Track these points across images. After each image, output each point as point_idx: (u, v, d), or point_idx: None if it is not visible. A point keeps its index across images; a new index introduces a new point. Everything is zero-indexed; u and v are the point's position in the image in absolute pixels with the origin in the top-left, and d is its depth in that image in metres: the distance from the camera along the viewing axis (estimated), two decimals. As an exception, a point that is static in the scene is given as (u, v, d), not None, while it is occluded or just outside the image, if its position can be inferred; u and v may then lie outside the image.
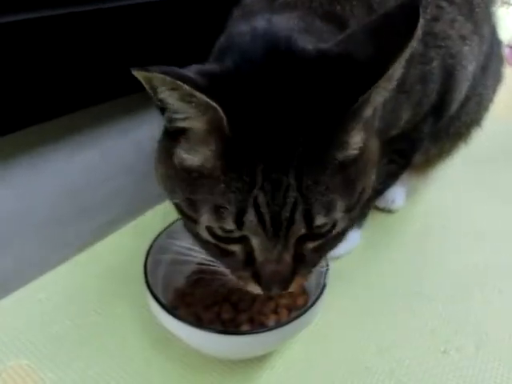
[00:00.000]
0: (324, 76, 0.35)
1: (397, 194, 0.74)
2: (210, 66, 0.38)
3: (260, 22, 0.40)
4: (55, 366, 0.48)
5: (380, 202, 0.72)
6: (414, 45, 0.33)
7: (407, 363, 0.50)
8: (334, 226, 0.38)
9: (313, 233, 0.37)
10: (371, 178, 0.41)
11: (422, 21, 0.32)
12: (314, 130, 0.35)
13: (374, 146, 0.41)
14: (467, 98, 0.60)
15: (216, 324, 0.47)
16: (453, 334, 0.54)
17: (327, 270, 0.48)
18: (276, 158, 0.35)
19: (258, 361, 0.49)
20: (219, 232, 0.38)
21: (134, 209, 0.70)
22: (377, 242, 0.68)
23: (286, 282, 0.39)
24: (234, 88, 0.35)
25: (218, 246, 0.39)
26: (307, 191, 0.35)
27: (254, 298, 0.50)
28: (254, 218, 0.35)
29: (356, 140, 0.37)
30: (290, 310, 0.49)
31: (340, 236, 0.41)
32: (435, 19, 0.50)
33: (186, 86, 0.32)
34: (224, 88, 0.34)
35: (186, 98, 0.34)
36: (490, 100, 0.68)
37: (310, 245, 0.39)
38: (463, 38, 0.54)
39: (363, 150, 0.38)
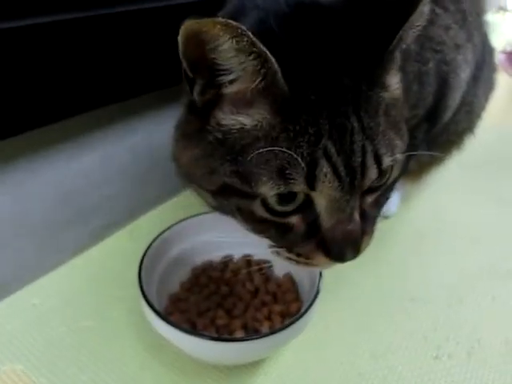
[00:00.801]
0: (356, 20, 0.36)
1: (390, 200, 0.74)
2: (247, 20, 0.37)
3: None
4: (49, 371, 0.48)
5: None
6: None
7: (400, 369, 0.50)
8: (390, 173, 0.38)
9: (373, 185, 0.37)
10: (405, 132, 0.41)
11: None
12: (360, 73, 0.35)
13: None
14: (459, 106, 0.61)
15: (210, 330, 0.48)
16: (445, 340, 0.54)
17: (321, 276, 0.48)
18: (334, 104, 0.34)
19: (252, 367, 0.49)
20: (277, 206, 0.35)
21: (130, 213, 0.70)
22: (371, 248, 0.68)
23: (358, 244, 0.38)
24: (277, 41, 0.34)
25: (274, 222, 0.37)
26: (371, 132, 0.35)
27: (248, 304, 0.50)
28: (328, 170, 0.34)
29: (395, 81, 0.38)
30: (283, 316, 0.49)
31: (390, 188, 0.41)
32: (431, 23, 0.51)
33: (249, 35, 0.30)
34: (269, 41, 0.32)
35: (247, 49, 0.31)
36: (482, 108, 0.69)
37: (370, 198, 0.39)
38: (457, 46, 0.54)
39: (400, 94, 0.39)
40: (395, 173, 0.39)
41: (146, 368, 0.49)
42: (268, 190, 0.34)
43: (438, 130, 0.60)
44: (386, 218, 0.74)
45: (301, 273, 0.52)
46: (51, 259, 0.62)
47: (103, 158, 0.65)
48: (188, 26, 0.31)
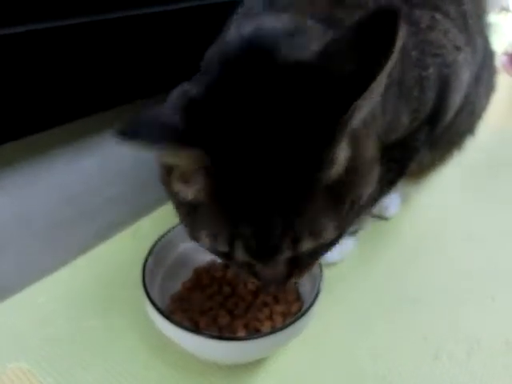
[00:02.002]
0: (305, 92, 0.33)
1: (391, 201, 0.75)
2: (190, 90, 0.37)
3: (247, 29, 0.39)
4: (54, 370, 0.49)
5: (374, 209, 0.73)
6: (395, 57, 0.30)
7: (399, 369, 0.51)
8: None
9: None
10: (369, 183, 0.40)
11: (402, 32, 0.30)
12: (297, 154, 0.33)
13: (369, 151, 0.39)
14: (460, 108, 0.61)
15: (212, 329, 0.48)
16: (444, 340, 0.54)
17: (321, 276, 0.49)
18: (261, 192, 0.34)
19: (253, 366, 0.50)
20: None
21: (133, 214, 0.70)
22: (370, 249, 0.69)
23: (281, 284, 0.41)
24: (214, 118, 0.34)
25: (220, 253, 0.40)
26: (294, 219, 0.35)
27: (250, 304, 0.51)
28: (241, 250, 0.37)
29: (341, 156, 0.35)
30: (284, 316, 0.50)
31: (334, 241, 0.40)
32: (430, 28, 0.51)
33: (165, 151, 0.33)
34: (204, 121, 0.34)
35: (171, 154, 0.34)
36: (483, 109, 0.69)
37: (303, 248, 0.38)
38: (458, 48, 0.55)
39: (353, 162, 0.36)
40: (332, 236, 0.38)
41: (150, 367, 0.50)
42: (205, 243, 0.39)
43: (439, 130, 0.61)
44: (387, 219, 0.75)
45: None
46: (55, 260, 0.63)
47: (105, 160, 0.66)
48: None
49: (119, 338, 0.53)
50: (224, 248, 0.37)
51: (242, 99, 0.35)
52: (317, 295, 0.47)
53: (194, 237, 0.40)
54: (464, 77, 0.56)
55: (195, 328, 0.48)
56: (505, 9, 1.94)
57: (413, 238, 0.72)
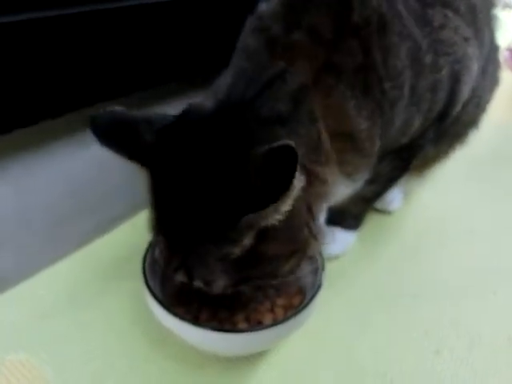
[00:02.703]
0: (237, 176, 0.37)
1: (394, 195, 0.74)
2: (172, 122, 0.42)
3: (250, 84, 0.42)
4: (54, 361, 0.49)
5: (377, 203, 0.72)
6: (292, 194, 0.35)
7: (400, 364, 0.51)
8: None
9: None
10: (292, 258, 0.43)
11: (296, 179, 0.34)
12: (207, 221, 0.38)
13: (281, 249, 0.41)
14: (467, 100, 0.61)
15: (213, 322, 0.48)
16: (446, 334, 0.54)
17: (323, 270, 0.49)
18: (172, 229, 0.40)
19: (254, 359, 0.50)
20: None
21: (134, 206, 0.70)
22: (372, 243, 0.68)
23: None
24: (169, 151, 0.40)
25: None
26: (190, 265, 0.40)
27: (251, 297, 0.51)
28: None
29: (242, 244, 0.38)
30: (286, 309, 0.49)
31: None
32: (442, 27, 0.51)
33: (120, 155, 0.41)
34: (163, 149, 0.41)
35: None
36: (487, 101, 0.69)
37: None
38: (466, 39, 0.54)
39: (252, 253, 0.39)
40: None
41: (150, 360, 0.50)
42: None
43: (447, 124, 0.60)
44: (389, 213, 0.74)
45: (303, 266, 0.52)
46: (56, 252, 0.62)
47: (104, 152, 0.65)
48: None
49: (119, 331, 0.53)
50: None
51: (193, 151, 0.40)
52: (318, 288, 0.47)
53: None
54: (473, 68, 0.56)
55: (196, 320, 0.48)
56: (508, 5, 1.93)
57: (415, 232, 0.72)
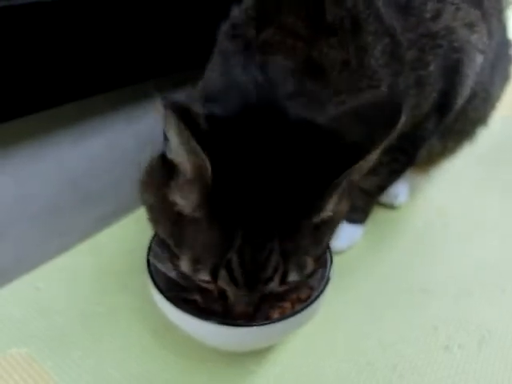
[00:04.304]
0: (313, 149, 0.36)
1: (400, 190, 0.74)
2: (216, 108, 0.38)
3: (254, 73, 0.41)
4: (54, 355, 0.48)
5: (383, 198, 0.72)
6: (394, 136, 0.36)
7: (410, 359, 0.50)
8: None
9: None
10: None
11: (403, 119, 0.35)
12: (295, 197, 0.36)
13: (345, 206, 0.43)
14: (474, 94, 0.60)
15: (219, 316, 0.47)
16: (455, 330, 0.53)
17: (331, 264, 0.48)
18: (260, 223, 0.36)
19: (260, 354, 0.49)
20: None
21: (137, 199, 0.69)
22: (380, 238, 0.68)
23: (250, 318, 0.41)
24: (228, 142, 0.36)
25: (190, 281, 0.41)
26: (288, 255, 0.38)
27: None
28: (226, 277, 0.37)
29: (330, 207, 0.39)
30: (293, 303, 0.49)
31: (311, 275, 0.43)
32: (436, 17, 0.49)
33: (185, 132, 0.33)
34: (220, 139, 0.35)
35: (183, 139, 0.34)
36: (497, 98, 0.68)
37: (282, 288, 0.41)
38: (470, 25, 0.52)
39: (334, 213, 0.40)
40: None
41: (153, 353, 0.49)
42: (184, 266, 0.38)
43: (450, 118, 0.59)
44: (395, 207, 0.73)
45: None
46: (56, 244, 0.61)
47: (109, 142, 0.65)
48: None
49: (120, 324, 0.52)
50: (205, 275, 0.38)
51: (257, 138, 0.37)
52: (327, 282, 0.46)
53: (172, 258, 0.39)
54: (478, 59, 0.55)
55: (201, 314, 0.47)
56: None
57: (422, 227, 0.71)
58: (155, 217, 0.41)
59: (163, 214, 0.40)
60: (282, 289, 0.41)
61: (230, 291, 0.40)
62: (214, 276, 0.38)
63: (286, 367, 0.48)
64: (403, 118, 0.35)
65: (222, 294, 0.41)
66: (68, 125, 0.59)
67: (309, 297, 0.48)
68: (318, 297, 0.44)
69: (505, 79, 0.68)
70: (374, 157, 0.37)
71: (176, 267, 0.40)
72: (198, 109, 0.35)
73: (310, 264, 0.40)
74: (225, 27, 0.49)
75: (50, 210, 0.60)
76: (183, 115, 0.32)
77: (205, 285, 0.40)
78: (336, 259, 0.49)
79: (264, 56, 0.44)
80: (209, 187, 0.35)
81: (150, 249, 0.48)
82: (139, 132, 0.67)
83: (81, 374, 0.47)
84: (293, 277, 0.39)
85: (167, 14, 0.61)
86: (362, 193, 0.63)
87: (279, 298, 0.44)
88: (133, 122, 0.66)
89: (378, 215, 0.70)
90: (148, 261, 0.47)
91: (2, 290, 0.56)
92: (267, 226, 0.36)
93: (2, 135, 0.52)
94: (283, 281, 0.39)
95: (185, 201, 0.37)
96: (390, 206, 0.74)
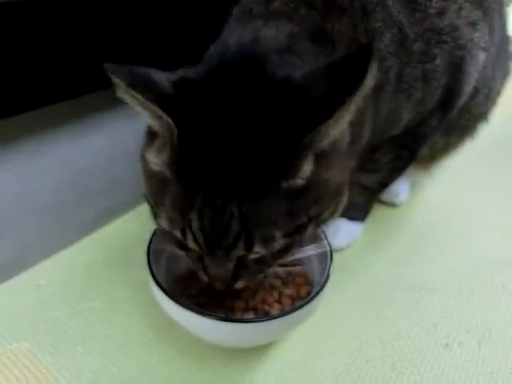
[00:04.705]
0: (283, 107, 0.35)
1: (401, 188, 0.73)
2: (185, 73, 0.39)
3: (247, 36, 0.41)
4: (55, 350, 0.48)
5: (384, 195, 0.72)
6: (365, 91, 0.34)
7: (409, 356, 0.50)
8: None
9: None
10: (331, 205, 0.41)
11: (372, 73, 0.33)
12: (261, 159, 0.35)
13: (338, 175, 0.40)
14: (477, 90, 0.59)
15: (219, 312, 0.47)
16: (455, 328, 0.53)
17: (331, 261, 0.48)
18: (220, 185, 0.35)
19: (260, 350, 0.49)
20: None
21: (137, 196, 0.69)
22: (380, 235, 0.68)
23: (228, 283, 0.41)
24: (195, 102, 0.36)
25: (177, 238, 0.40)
26: (250, 222, 0.36)
27: (258, 287, 0.50)
28: (191, 240, 0.38)
29: (304, 171, 0.36)
30: (293, 299, 0.49)
31: (286, 250, 0.40)
32: (441, 13, 0.49)
33: (140, 97, 0.34)
34: (186, 100, 0.36)
35: (142, 106, 0.35)
36: (498, 93, 0.68)
37: (253, 257, 0.40)
38: (472, 24, 0.52)
39: (314, 181, 0.37)
40: (279, 246, 0.38)
41: (153, 349, 0.49)
42: (164, 224, 0.39)
43: (454, 115, 0.59)
44: (396, 205, 0.73)
45: (311, 257, 0.51)
46: (57, 240, 0.61)
47: (110, 138, 0.65)
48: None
49: (121, 321, 0.52)
50: (178, 233, 0.38)
51: (226, 97, 0.36)
52: (326, 279, 0.46)
53: (155, 216, 0.40)
54: (480, 56, 0.54)
55: (202, 310, 0.47)
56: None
57: (422, 224, 0.71)
58: (143, 179, 0.42)
59: (145, 175, 0.41)
60: (254, 257, 0.39)
61: (199, 252, 0.40)
62: (183, 236, 0.38)
63: (285, 364, 0.48)
64: (373, 69, 0.33)
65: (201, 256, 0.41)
66: (68, 121, 0.59)
67: (309, 293, 0.48)
68: (317, 293, 0.44)
69: (505, 75, 0.68)
70: (346, 115, 0.35)
71: (158, 225, 0.41)
72: (160, 75, 0.36)
73: (278, 238, 0.37)
74: (235, 10, 0.49)
75: (51, 207, 0.60)
76: (134, 80, 0.34)
77: (186, 242, 0.40)
78: (336, 256, 0.49)
79: (264, 21, 0.43)
80: (176, 148, 0.35)
81: (150, 245, 0.48)
82: (139, 129, 0.67)
83: (81, 369, 0.47)
84: (259, 248, 0.37)
85: (166, 11, 0.61)
86: (363, 189, 0.63)
87: (260, 268, 0.42)
88: (132, 118, 0.66)
89: (377, 212, 0.70)
90: (148, 257, 0.47)
91: (3, 285, 0.56)
92: (228, 188, 0.35)
93: (2, 132, 0.52)
94: (248, 250, 0.37)
95: (158, 161, 0.38)
96: (391, 204, 0.73)
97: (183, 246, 0.41)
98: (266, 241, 0.37)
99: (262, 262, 0.41)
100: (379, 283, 0.59)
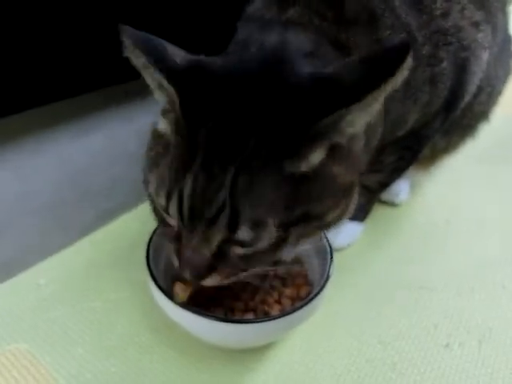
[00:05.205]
0: (305, 90, 0.35)
1: (401, 187, 0.73)
2: (203, 57, 0.40)
3: (270, 39, 0.41)
4: (54, 351, 0.48)
5: (384, 195, 0.71)
6: (397, 83, 0.33)
7: (409, 356, 0.50)
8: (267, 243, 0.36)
9: (237, 240, 0.36)
10: (334, 206, 0.38)
11: (407, 64, 0.32)
12: (269, 130, 0.34)
13: (346, 177, 0.38)
14: (480, 89, 0.59)
15: (219, 312, 0.47)
16: (456, 328, 0.53)
17: (332, 261, 0.48)
18: (221, 150, 0.34)
19: (260, 351, 0.49)
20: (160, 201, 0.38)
21: (138, 195, 0.69)
22: (380, 235, 0.67)
23: (199, 273, 0.38)
24: (208, 81, 0.36)
25: (159, 212, 0.40)
26: (240, 195, 0.34)
27: (258, 287, 0.50)
28: (174, 207, 0.36)
29: (313, 158, 0.35)
30: (293, 300, 0.49)
31: (276, 248, 0.37)
32: (445, 14, 0.49)
33: (143, 59, 0.35)
34: (197, 77, 0.36)
35: (146, 71, 0.37)
36: (500, 92, 0.68)
37: (237, 250, 0.37)
38: (476, 24, 0.52)
39: (321, 174, 0.36)
40: (271, 240, 0.36)
41: (153, 350, 0.49)
42: (151, 187, 0.38)
43: (456, 115, 0.59)
44: (396, 205, 0.73)
45: (311, 257, 0.51)
46: (57, 240, 0.61)
47: (111, 138, 0.64)
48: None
49: (120, 320, 0.52)
50: (162, 199, 0.37)
51: (242, 80, 0.37)
52: (327, 279, 0.46)
53: (145, 182, 0.40)
54: (484, 56, 0.54)
55: (201, 310, 0.46)
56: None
57: (422, 224, 0.71)
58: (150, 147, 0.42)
59: (150, 138, 0.41)
60: (240, 252, 0.37)
61: (178, 225, 0.38)
62: (167, 201, 0.36)
63: (285, 364, 0.48)
64: (409, 62, 0.32)
65: (178, 233, 0.38)
66: (68, 121, 0.58)
67: (308, 294, 0.48)
68: (317, 294, 0.44)
69: (507, 74, 0.68)
70: (373, 104, 0.34)
71: (146, 190, 0.40)
72: (177, 51, 0.38)
73: (270, 226, 0.34)
74: (247, 11, 0.49)
75: (51, 206, 0.60)
76: (141, 42, 0.36)
77: (165, 216, 0.39)
78: (336, 256, 0.49)
79: (283, 28, 0.43)
80: (178, 115, 0.36)
81: (149, 245, 0.48)
82: (139, 128, 0.67)
83: (80, 370, 0.47)
84: (244, 232, 0.34)
85: (166, 11, 0.60)
86: (364, 189, 0.62)
87: (242, 266, 0.39)
88: (132, 118, 0.66)
89: (378, 211, 0.70)
90: (148, 257, 0.47)
91: (3, 285, 0.56)
92: (228, 154, 0.34)
93: (1, 131, 0.52)
94: (232, 230, 0.34)
95: (165, 125, 0.39)
96: (391, 204, 0.73)
97: (163, 221, 0.40)
98: (256, 224, 0.34)
99: (246, 260, 0.37)
100: (379, 283, 0.59)
